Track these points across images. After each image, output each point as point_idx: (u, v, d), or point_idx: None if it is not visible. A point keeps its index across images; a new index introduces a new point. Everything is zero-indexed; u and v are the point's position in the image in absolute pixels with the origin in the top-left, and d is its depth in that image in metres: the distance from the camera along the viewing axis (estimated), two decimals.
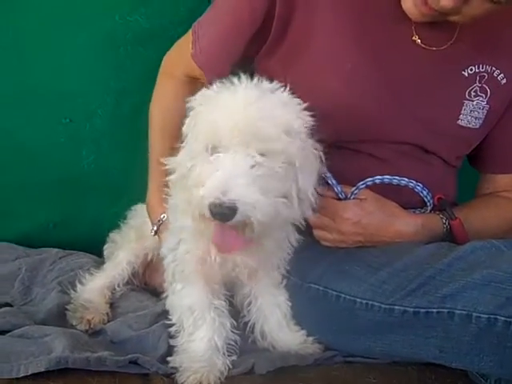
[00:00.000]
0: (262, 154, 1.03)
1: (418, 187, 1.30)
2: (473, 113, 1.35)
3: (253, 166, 1.02)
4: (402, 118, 1.33)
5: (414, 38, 1.31)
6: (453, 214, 1.32)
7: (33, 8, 1.64)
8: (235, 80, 1.09)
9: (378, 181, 1.28)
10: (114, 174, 1.77)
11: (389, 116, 1.32)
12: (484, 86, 1.35)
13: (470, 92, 1.35)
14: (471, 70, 1.34)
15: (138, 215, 1.55)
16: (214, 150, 1.04)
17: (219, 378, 1.16)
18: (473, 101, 1.35)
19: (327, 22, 1.30)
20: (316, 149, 1.13)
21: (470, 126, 1.36)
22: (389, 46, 1.32)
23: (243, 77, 1.10)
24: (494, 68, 1.35)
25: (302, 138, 1.09)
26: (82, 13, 1.66)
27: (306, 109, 1.10)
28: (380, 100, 1.31)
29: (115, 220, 1.61)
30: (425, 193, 1.31)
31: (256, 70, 1.38)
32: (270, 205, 1.03)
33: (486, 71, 1.35)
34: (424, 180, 1.32)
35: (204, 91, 1.13)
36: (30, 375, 1.10)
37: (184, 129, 1.13)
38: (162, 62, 1.48)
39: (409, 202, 1.33)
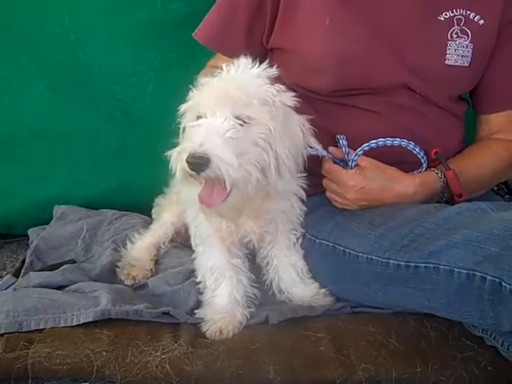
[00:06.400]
0: (241, 122, 1.17)
1: (411, 145, 1.39)
2: (458, 51, 1.40)
3: (229, 130, 1.15)
4: (390, 62, 1.40)
5: None
6: (447, 166, 1.39)
7: None
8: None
9: (373, 145, 1.37)
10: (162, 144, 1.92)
11: (378, 61, 1.39)
12: (464, 28, 1.40)
13: (451, 34, 1.40)
14: (446, 14, 1.40)
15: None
16: (200, 118, 1.19)
17: (237, 328, 1.32)
18: (455, 41, 1.40)
19: None
20: (300, 121, 1.26)
21: (458, 64, 1.41)
22: None
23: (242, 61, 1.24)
24: (468, 11, 1.40)
25: (278, 108, 1.21)
26: (129, 2, 1.82)
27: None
28: (367, 48, 1.38)
29: (163, 186, 1.76)
30: (417, 149, 1.39)
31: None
32: (241, 164, 1.14)
33: (461, 14, 1.40)
34: (421, 134, 1.41)
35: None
36: (81, 324, 1.32)
37: (181, 111, 1.26)
38: None
39: (405, 162, 1.40)
